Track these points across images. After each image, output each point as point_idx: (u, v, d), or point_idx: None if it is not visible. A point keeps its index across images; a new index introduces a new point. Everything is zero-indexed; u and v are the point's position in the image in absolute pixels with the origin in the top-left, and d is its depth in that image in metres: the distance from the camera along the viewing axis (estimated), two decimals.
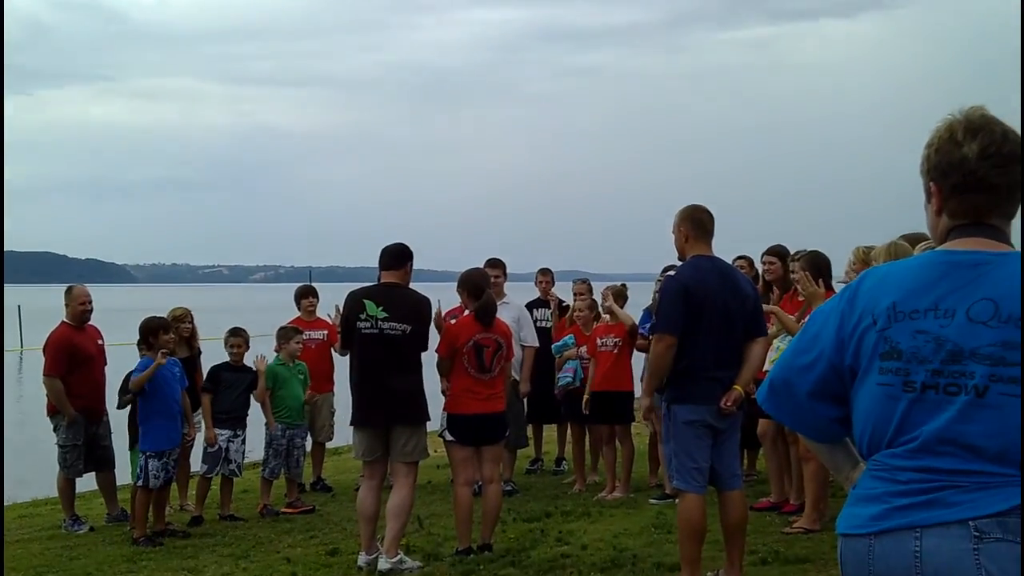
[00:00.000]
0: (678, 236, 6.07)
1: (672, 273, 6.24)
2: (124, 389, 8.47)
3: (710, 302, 5.82)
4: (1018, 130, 2.32)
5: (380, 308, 6.98)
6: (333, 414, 10.28)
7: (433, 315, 7.34)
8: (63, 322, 8.96)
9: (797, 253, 7.72)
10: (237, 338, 9.05)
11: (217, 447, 8.79)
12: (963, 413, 2.17)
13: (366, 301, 7.03)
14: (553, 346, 9.61)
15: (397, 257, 7.20)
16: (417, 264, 7.38)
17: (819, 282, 6.66)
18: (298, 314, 10.33)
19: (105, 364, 9.10)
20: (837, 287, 7.08)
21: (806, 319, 7.17)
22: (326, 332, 10.06)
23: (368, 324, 6.99)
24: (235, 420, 8.95)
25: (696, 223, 6.03)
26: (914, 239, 5.95)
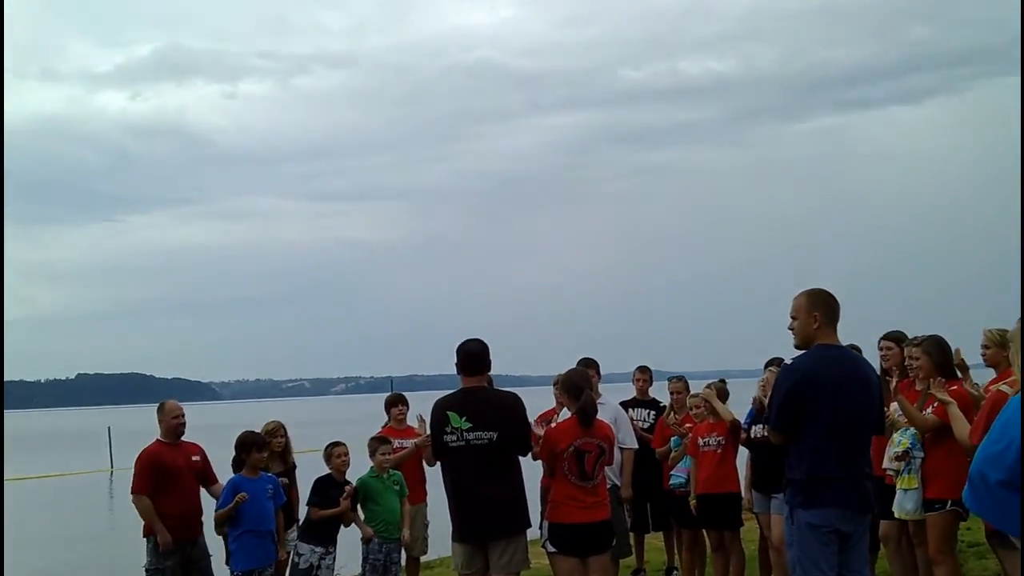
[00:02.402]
0: (807, 321, 5.67)
1: (789, 363, 5.87)
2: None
3: (834, 397, 5.46)
4: None
5: (463, 418, 6.76)
6: (427, 526, 9.97)
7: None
8: (157, 440, 8.84)
9: (915, 339, 7.34)
10: (340, 447, 8.86)
11: (309, 564, 8.53)
12: None
13: (449, 413, 6.82)
14: (672, 439, 9.25)
15: (479, 363, 6.96)
16: (493, 369, 7.15)
17: (946, 368, 6.30)
18: (388, 422, 10.13)
19: (212, 482, 8.88)
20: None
21: (928, 409, 6.82)
22: (417, 441, 9.82)
23: (454, 436, 6.77)
24: (328, 537, 8.69)
25: (828, 310, 5.67)
26: None
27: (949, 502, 6.71)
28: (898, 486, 7.08)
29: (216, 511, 8.21)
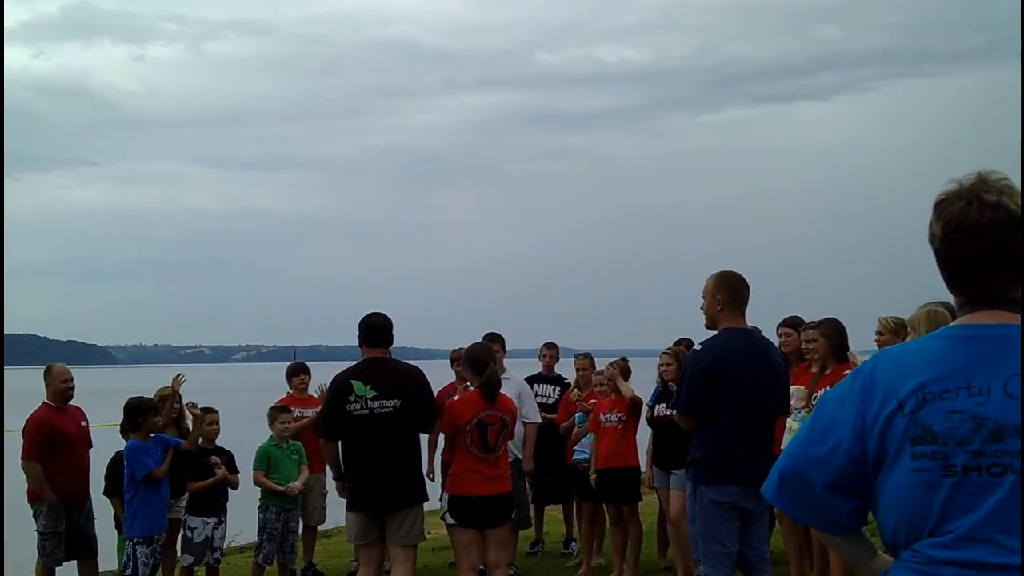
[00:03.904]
0: (712, 304, 5.75)
1: (698, 348, 5.92)
2: (111, 475, 8.08)
3: (742, 381, 5.53)
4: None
5: (368, 387, 6.66)
6: (325, 496, 9.84)
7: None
8: (44, 403, 8.55)
9: (812, 322, 7.45)
10: (211, 414, 8.62)
11: (204, 537, 8.34)
12: (1011, 494, 1.99)
13: (353, 382, 6.71)
14: (577, 415, 9.24)
15: (382, 336, 6.90)
16: (399, 342, 7.09)
17: (841, 350, 6.40)
18: (289, 392, 9.97)
19: (90, 447, 8.67)
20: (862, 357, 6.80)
21: (819, 392, 6.92)
22: (318, 410, 9.67)
23: (358, 405, 6.66)
24: (218, 506, 8.48)
25: (733, 292, 5.73)
26: (950, 307, 5.70)
27: None
28: None
29: (151, 469, 7.82)
